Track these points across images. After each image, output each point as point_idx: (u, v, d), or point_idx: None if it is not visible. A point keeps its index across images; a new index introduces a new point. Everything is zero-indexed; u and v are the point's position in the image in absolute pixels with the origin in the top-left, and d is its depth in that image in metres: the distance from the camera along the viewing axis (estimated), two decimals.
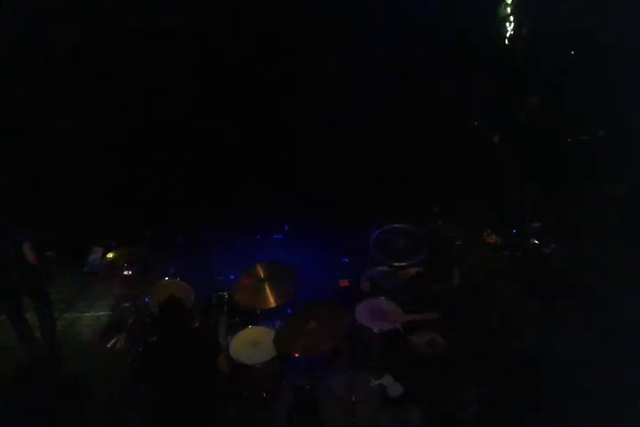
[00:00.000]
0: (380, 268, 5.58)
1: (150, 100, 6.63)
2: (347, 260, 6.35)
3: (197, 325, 4.97)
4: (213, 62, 6.65)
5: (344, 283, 5.67)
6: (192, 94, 6.75)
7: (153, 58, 6.39)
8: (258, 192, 6.96)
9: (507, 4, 7.20)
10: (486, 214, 6.83)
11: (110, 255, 5.06)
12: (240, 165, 7.07)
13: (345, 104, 6.63)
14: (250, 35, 6.49)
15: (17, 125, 6.33)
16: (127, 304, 5.61)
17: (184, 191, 6.93)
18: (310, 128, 6.79)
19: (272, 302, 4.82)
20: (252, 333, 4.81)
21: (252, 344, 4.68)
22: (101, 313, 5.85)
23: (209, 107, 6.80)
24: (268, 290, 4.89)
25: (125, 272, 4.90)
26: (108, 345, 4.60)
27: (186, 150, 6.97)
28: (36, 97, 6.27)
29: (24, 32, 6.04)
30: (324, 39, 6.53)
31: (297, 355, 4.37)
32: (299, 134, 6.93)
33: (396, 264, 5.61)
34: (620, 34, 6.44)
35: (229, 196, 7.04)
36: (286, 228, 6.87)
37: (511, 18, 7.18)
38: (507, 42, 7.31)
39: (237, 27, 6.42)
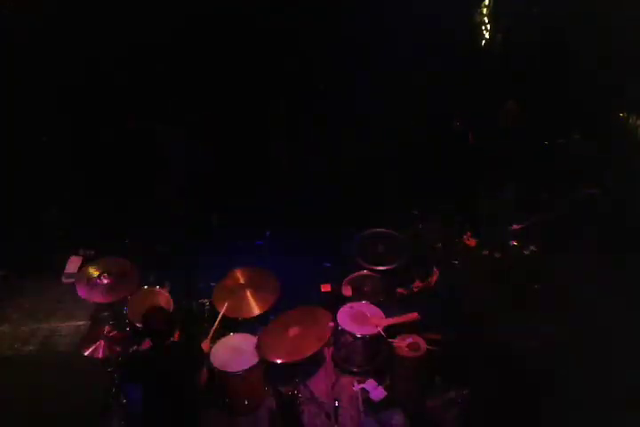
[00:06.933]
0: (362, 272, 5.59)
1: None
2: (328, 264, 6.35)
3: (178, 334, 4.91)
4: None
5: (326, 288, 5.66)
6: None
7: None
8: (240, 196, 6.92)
9: (482, 11, 7.29)
10: (465, 217, 6.89)
11: (89, 265, 4.99)
12: (222, 168, 7.04)
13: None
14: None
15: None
16: (106, 313, 5.56)
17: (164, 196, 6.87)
18: (296, 128, 6.75)
19: (255, 310, 4.80)
20: (233, 340, 4.78)
21: (234, 351, 4.64)
22: (80, 323, 5.76)
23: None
24: (250, 298, 4.86)
25: (104, 281, 4.85)
26: (86, 353, 4.52)
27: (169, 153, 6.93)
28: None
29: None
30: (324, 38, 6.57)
31: (279, 361, 4.36)
32: (283, 135, 6.89)
33: (378, 268, 5.64)
34: (594, 38, 6.56)
35: (212, 201, 7.00)
36: (267, 233, 6.86)
37: (487, 24, 7.29)
38: (483, 46, 7.42)
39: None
